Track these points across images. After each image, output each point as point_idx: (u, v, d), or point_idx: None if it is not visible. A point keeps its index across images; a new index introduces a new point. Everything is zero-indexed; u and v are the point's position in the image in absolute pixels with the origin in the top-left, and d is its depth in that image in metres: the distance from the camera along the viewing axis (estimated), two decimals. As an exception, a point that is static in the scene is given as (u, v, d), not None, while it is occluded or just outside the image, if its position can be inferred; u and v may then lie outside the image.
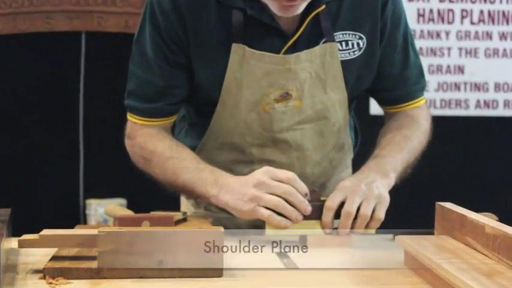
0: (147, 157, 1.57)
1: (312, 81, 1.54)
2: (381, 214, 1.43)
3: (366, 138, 1.79)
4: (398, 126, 1.65)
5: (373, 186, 1.45)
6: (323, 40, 1.52)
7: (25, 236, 1.19)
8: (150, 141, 1.57)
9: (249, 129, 1.57)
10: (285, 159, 1.60)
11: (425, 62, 3.45)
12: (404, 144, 1.60)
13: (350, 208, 1.41)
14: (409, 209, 3.30)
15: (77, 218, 3.36)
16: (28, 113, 3.39)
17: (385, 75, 1.63)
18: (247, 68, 1.51)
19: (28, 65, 3.37)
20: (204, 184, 1.47)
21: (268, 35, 1.51)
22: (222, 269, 1.15)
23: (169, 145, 1.56)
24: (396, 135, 1.62)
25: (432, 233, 1.30)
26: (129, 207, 3.34)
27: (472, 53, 3.55)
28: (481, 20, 3.54)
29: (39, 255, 1.25)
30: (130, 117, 1.61)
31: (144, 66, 1.55)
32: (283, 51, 1.51)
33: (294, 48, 1.52)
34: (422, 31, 3.52)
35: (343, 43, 1.54)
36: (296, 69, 1.52)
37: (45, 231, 1.20)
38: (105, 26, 3.36)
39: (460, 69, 3.56)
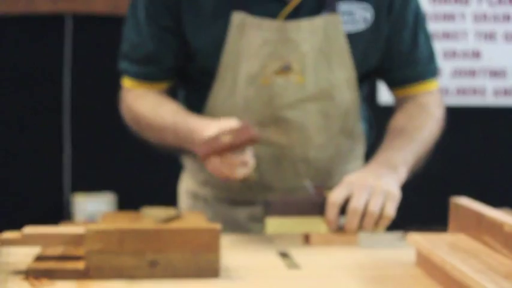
0: (135, 119, 1.64)
1: (316, 56, 1.56)
2: (391, 211, 1.43)
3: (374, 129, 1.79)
4: (407, 116, 1.65)
5: (381, 181, 1.44)
6: (326, 11, 1.55)
7: (6, 234, 1.19)
8: (136, 102, 1.64)
9: (248, 106, 1.59)
10: (286, 141, 1.61)
11: (438, 46, 3.44)
12: (415, 135, 1.60)
13: (356, 204, 1.41)
14: (421, 206, 3.31)
15: (62, 214, 3.36)
16: (8, 101, 3.38)
17: (394, 54, 1.64)
18: (246, 37, 1.54)
19: (7, 50, 3.36)
20: (185, 142, 1.52)
21: (267, 1, 1.54)
22: (218, 269, 1.16)
23: (152, 106, 1.61)
24: (406, 125, 1.62)
25: (446, 231, 1.30)
26: (120, 203, 3.34)
27: (490, 36, 3.55)
28: (499, 1, 3.53)
29: (22, 255, 1.25)
30: (125, 81, 1.68)
31: (136, 30, 1.62)
32: (281, 16, 1.54)
33: (295, 17, 1.55)
34: (435, 13, 3.51)
35: (348, 14, 1.56)
36: (297, 40, 1.54)
37: (28, 229, 1.20)
38: (93, 7, 3.35)
39: (477, 54, 3.55)
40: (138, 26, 1.60)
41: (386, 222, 1.44)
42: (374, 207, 1.42)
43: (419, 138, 1.60)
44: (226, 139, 1.41)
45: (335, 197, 1.43)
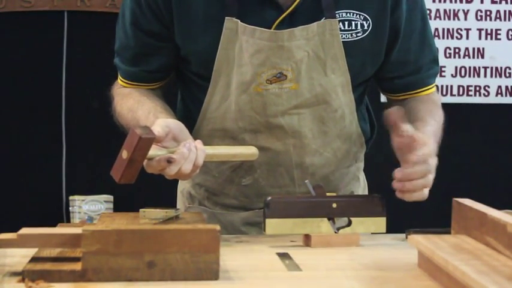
0: (117, 118, 1.65)
1: (310, 62, 1.55)
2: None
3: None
4: (419, 104, 1.65)
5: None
6: (323, 18, 1.54)
7: (2, 235, 1.19)
8: (119, 102, 1.65)
9: (241, 113, 1.58)
10: (281, 147, 1.61)
11: (441, 44, 3.45)
12: (435, 117, 1.62)
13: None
14: (423, 206, 3.31)
15: (59, 215, 3.36)
16: (5, 102, 3.38)
17: (402, 63, 1.65)
18: (239, 45, 1.53)
19: (4, 48, 3.36)
20: None
21: (263, 8, 1.54)
22: (218, 271, 1.16)
23: (130, 107, 1.60)
24: (424, 108, 1.63)
25: (448, 232, 1.30)
26: (116, 204, 3.34)
27: (493, 34, 3.55)
28: (502, -1, 3.54)
29: (18, 256, 1.25)
30: (118, 77, 1.70)
31: (123, 31, 1.63)
32: (275, 25, 1.54)
33: (290, 24, 1.54)
34: (438, 11, 3.51)
35: (346, 23, 1.56)
36: (290, 47, 1.53)
37: (24, 230, 1.20)
38: (90, 4, 3.35)
39: (480, 53, 3.55)
40: (124, 27, 1.62)
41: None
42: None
43: (438, 121, 1.62)
44: (124, 155, 1.31)
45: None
